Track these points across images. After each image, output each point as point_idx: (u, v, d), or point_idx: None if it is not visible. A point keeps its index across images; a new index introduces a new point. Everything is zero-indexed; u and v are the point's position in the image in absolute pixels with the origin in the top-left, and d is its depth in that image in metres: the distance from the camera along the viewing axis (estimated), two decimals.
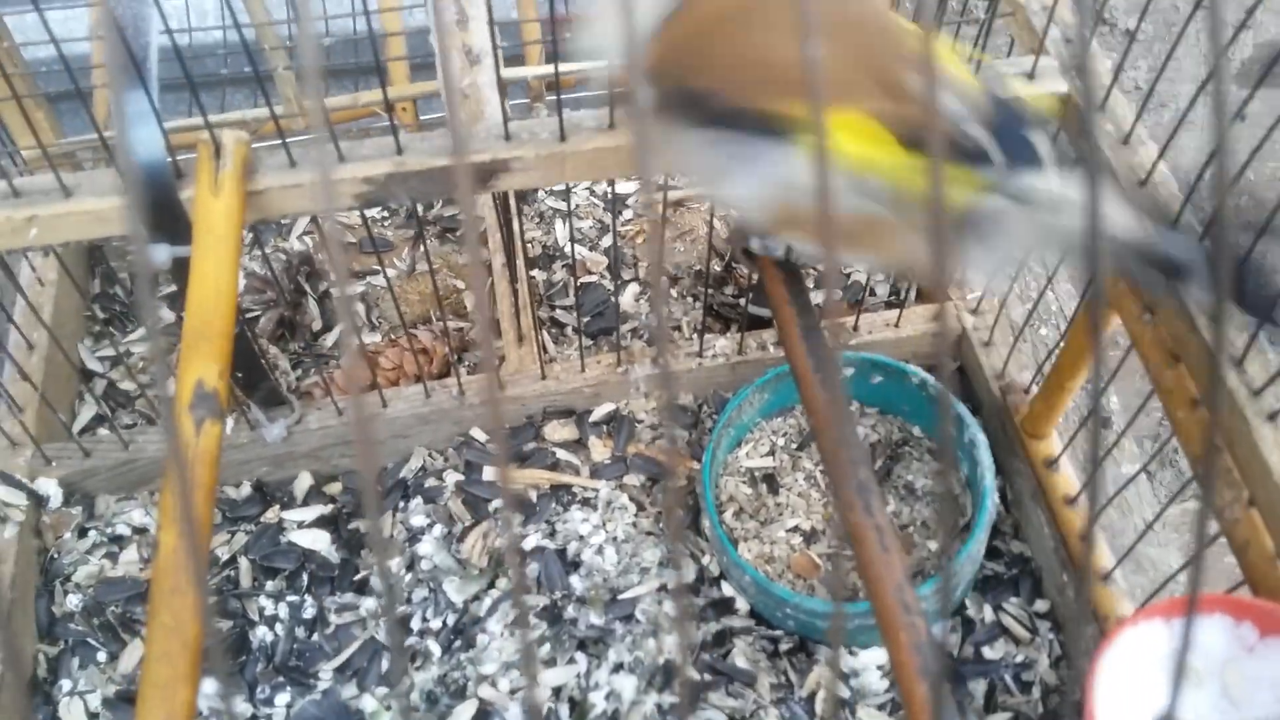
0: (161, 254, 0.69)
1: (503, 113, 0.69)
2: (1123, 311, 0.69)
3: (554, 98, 1.07)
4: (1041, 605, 0.87)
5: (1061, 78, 0.72)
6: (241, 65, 1.11)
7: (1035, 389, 0.88)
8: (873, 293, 1.05)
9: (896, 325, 0.96)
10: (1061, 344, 0.82)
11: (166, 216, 0.67)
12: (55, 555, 0.89)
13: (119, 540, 0.90)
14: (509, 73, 0.79)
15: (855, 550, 0.54)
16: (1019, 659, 0.85)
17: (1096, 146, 0.62)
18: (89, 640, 0.86)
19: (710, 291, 1.02)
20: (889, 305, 1.02)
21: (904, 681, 0.51)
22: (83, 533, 0.90)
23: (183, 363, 0.59)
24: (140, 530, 0.91)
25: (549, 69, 0.70)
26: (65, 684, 0.84)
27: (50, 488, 0.89)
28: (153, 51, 0.65)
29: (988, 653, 0.85)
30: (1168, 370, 0.65)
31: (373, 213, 1.09)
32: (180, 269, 0.70)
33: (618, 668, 0.83)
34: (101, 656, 0.86)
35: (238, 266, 0.63)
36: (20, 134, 0.97)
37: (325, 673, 0.86)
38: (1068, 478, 0.85)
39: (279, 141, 0.67)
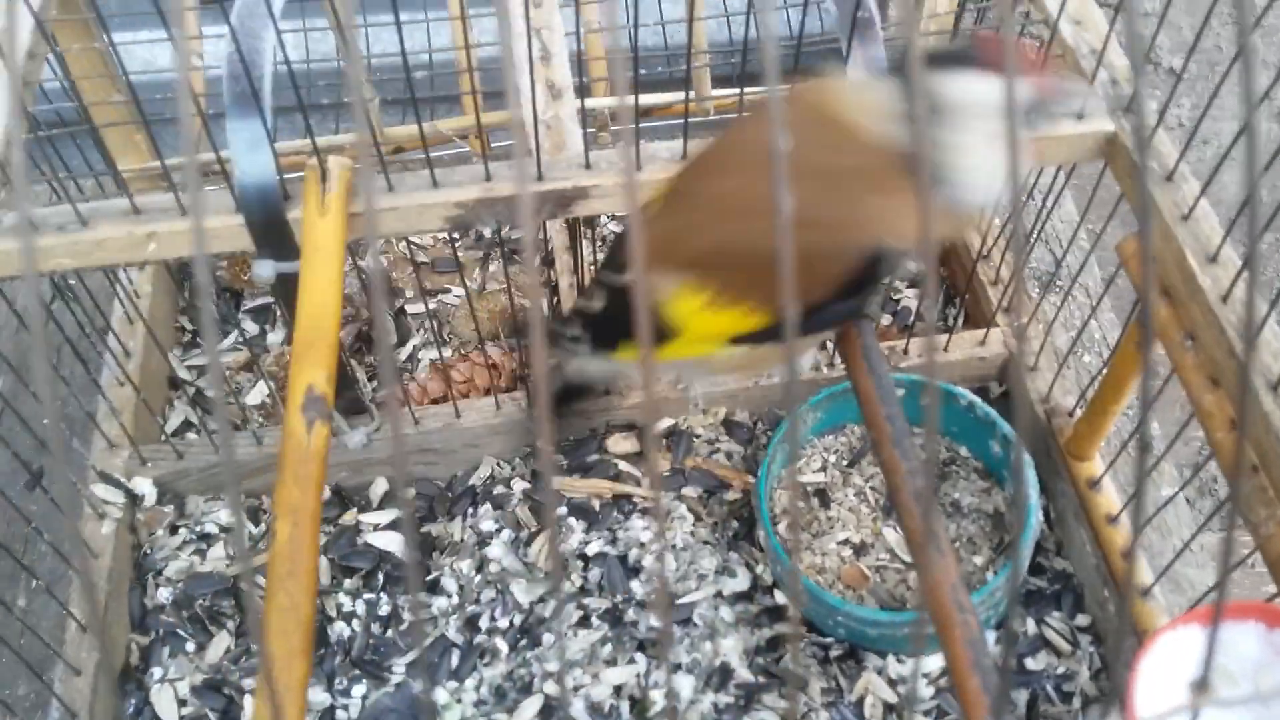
0: (266, 269, 0.75)
1: (584, 143, 0.75)
2: (1165, 337, 0.73)
3: (618, 127, 1.13)
4: (1083, 620, 0.90)
5: (1109, 118, 0.77)
6: (332, 93, 1.18)
7: (1079, 413, 0.91)
8: (922, 318, 1.10)
9: (945, 349, 1.00)
10: (1104, 370, 0.86)
11: (274, 235, 0.72)
12: (148, 551, 0.95)
13: (207, 538, 0.96)
14: (591, 103, 0.84)
15: (913, 553, 0.58)
16: (1060, 670, 0.88)
17: (1148, 191, 0.66)
18: (178, 631, 0.92)
19: None
20: (938, 331, 1.07)
21: (958, 675, 0.55)
22: (174, 530, 0.96)
23: (294, 369, 0.65)
24: (226, 529, 0.96)
25: (626, 101, 0.75)
26: (156, 671, 0.90)
27: (145, 487, 0.95)
28: (268, 82, 0.71)
29: (1030, 664, 0.89)
30: (1207, 394, 0.69)
31: (443, 235, 1.15)
32: (283, 283, 0.75)
33: (676, 668, 0.88)
34: (190, 647, 0.91)
35: (342, 282, 0.68)
36: (120, 155, 1.04)
37: (398, 667, 0.91)
38: (1109, 498, 0.89)
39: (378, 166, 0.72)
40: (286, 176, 0.73)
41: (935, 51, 0.60)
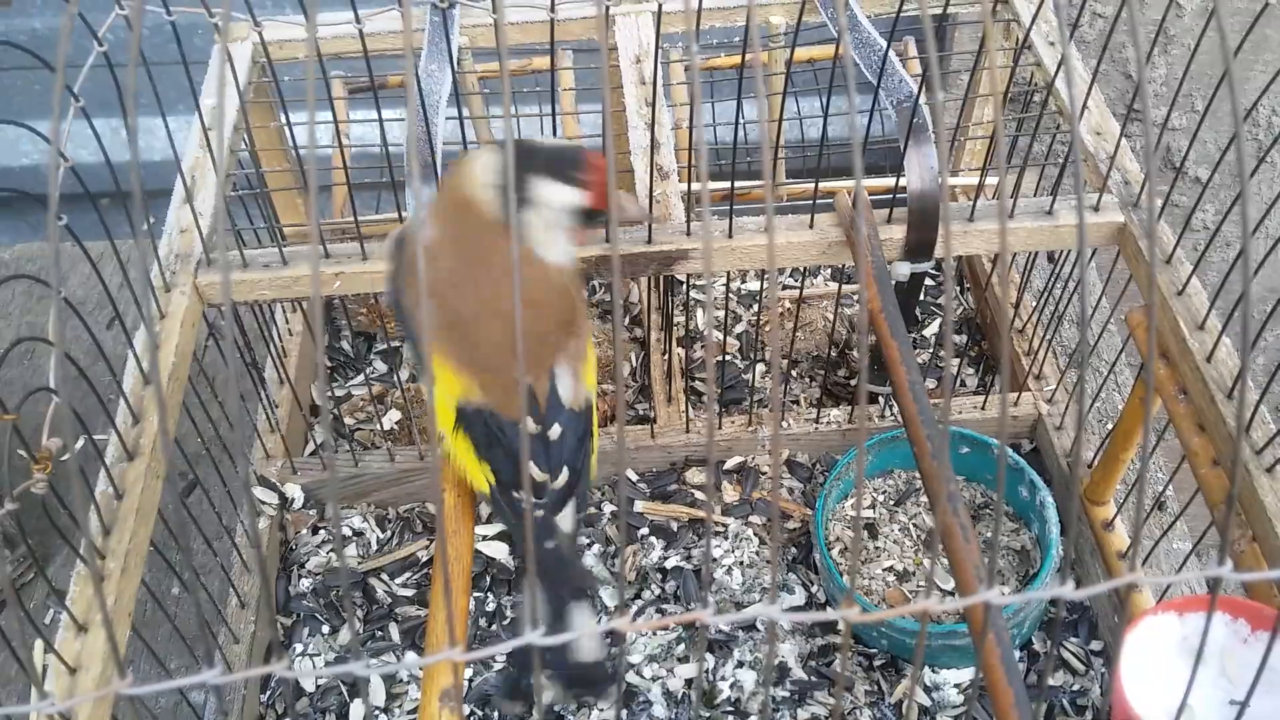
0: None
1: (686, 214, 0.92)
2: (1163, 392, 0.88)
3: (700, 208, 1.31)
4: (1096, 645, 1.04)
5: (1120, 211, 0.93)
6: None
7: (1097, 462, 1.06)
8: (963, 383, 1.25)
9: (982, 408, 1.15)
10: (1115, 423, 1.00)
11: None
12: (293, 546, 1.11)
13: (343, 539, 1.12)
14: (695, 187, 1.02)
15: (946, 543, 0.73)
16: (1075, 687, 1.01)
17: (1156, 282, 0.82)
18: (315, 615, 1.08)
19: (824, 373, 1.23)
20: (975, 392, 1.22)
21: (976, 634, 0.70)
22: (315, 530, 1.13)
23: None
24: (358, 533, 1.13)
25: (723, 185, 0.92)
26: (297, 647, 1.06)
27: (295, 492, 1.12)
28: (440, 149, 0.89)
29: (1050, 681, 1.02)
30: (1195, 438, 0.84)
31: None
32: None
33: (740, 664, 1.02)
34: (325, 629, 1.07)
35: None
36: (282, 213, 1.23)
37: (500, 655, 1.06)
38: (1121, 537, 1.03)
39: None
40: None
41: (539, 152, 0.76)
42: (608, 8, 0.80)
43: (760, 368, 1.27)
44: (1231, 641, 0.74)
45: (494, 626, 1.08)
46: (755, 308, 1.35)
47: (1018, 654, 1.03)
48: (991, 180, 1.20)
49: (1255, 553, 0.78)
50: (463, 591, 0.72)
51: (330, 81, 1.26)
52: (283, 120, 1.17)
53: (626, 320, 1.32)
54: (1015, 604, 0.99)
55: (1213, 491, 0.82)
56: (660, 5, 0.95)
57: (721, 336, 1.28)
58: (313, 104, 0.41)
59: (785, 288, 1.35)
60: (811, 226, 0.93)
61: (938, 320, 1.31)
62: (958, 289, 1.35)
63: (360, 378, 1.26)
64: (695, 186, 1.09)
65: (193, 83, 0.88)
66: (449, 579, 0.56)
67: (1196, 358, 0.83)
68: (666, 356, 1.18)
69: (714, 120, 1.35)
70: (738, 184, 1.22)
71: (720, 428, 1.15)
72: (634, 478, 1.15)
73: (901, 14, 1.08)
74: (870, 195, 1.29)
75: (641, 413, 1.23)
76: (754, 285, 1.36)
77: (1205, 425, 0.83)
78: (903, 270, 0.95)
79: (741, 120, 1.29)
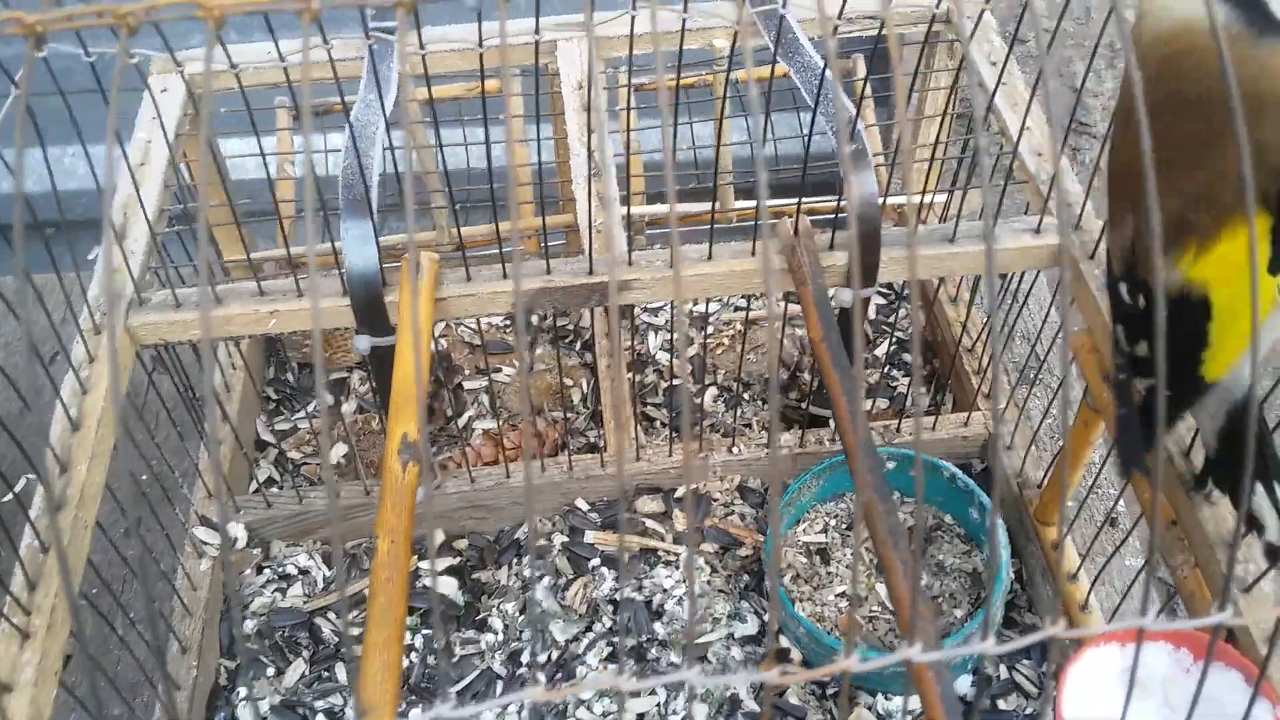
0: (363, 343, 0.91)
1: (628, 244, 0.91)
2: (1106, 415, 0.87)
3: (653, 230, 1.30)
4: (1049, 667, 1.03)
5: (1060, 234, 0.93)
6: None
7: (1046, 482, 1.06)
8: (914, 403, 1.25)
9: (933, 429, 1.15)
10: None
11: (373, 314, 0.88)
12: (237, 587, 1.09)
13: (288, 578, 1.10)
14: (635, 211, 1.01)
15: (887, 579, 0.72)
16: (1028, 711, 1.01)
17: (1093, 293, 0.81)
18: (261, 658, 1.06)
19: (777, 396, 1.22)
20: (928, 413, 1.21)
21: (913, 673, 0.69)
22: (259, 570, 1.10)
23: (391, 421, 0.80)
24: (304, 571, 1.11)
25: (663, 209, 0.91)
26: (241, 691, 1.03)
27: (238, 531, 1.10)
28: (374, 190, 0.88)
29: (1002, 704, 1.02)
30: None
31: (497, 320, 1.32)
32: (376, 355, 0.91)
33: (692, 697, 1.01)
34: (270, 671, 1.05)
35: (429, 353, 0.84)
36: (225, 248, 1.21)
37: (450, 694, 1.04)
38: (1070, 558, 1.02)
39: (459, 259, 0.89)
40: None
41: None
42: (538, 42, 0.79)
43: (712, 391, 1.26)
44: (1174, 671, 0.73)
45: (443, 664, 1.06)
46: (708, 329, 1.34)
47: (969, 678, 1.02)
48: (935, 199, 1.20)
49: (1198, 578, 0.78)
50: (395, 641, 0.70)
51: (276, 111, 1.24)
52: (219, 152, 1.16)
53: (578, 345, 1.31)
54: (964, 630, 0.99)
55: (1153, 515, 0.81)
56: (592, 34, 0.94)
57: (670, 360, 1.27)
58: (200, 142, 0.39)
59: (736, 309, 1.34)
60: (754, 254, 0.92)
61: (887, 340, 1.30)
62: (905, 309, 1.34)
63: (303, 412, 1.24)
64: (639, 210, 1.08)
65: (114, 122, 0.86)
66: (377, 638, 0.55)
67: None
68: (615, 385, 1.16)
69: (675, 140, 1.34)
70: (685, 207, 1.22)
71: (670, 454, 1.13)
72: (584, 507, 1.14)
73: (848, 35, 1.08)
74: (816, 215, 1.28)
75: (592, 440, 1.21)
76: (704, 306, 1.35)
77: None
78: (845, 297, 0.95)
79: (693, 144, 1.29)
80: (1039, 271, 0.99)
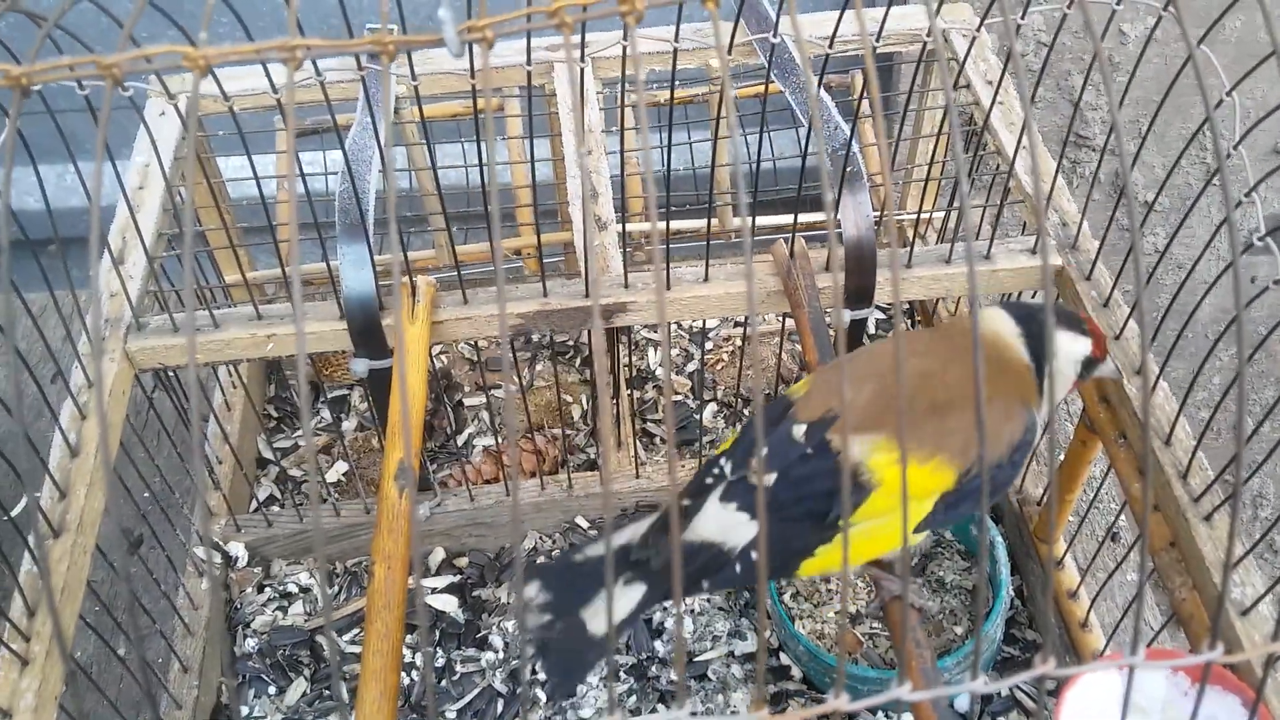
0: (360, 366, 0.91)
1: (624, 266, 0.91)
2: (1104, 436, 0.87)
3: (651, 247, 1.30)
4: (1049, 684, 1.03)
5: (1057, 254, 0.93)
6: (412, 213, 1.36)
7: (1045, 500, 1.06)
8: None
9: None
10: (1061, 463, 1.00)
11: (370, 337, 0.89)
12: (238, 605, 1.10)
13: (289, 596, 1.10)
14: (633, 228, 1.01)
15: (885, 609, 0.72)
16: None
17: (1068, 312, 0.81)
18: (262, 676, 1.06)
19: None
20: None
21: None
22: (260, 588, 1.11)
23: (388, 446, 0.80)
24: (305, 589, 1.11)
25: (659, 226, 0.91)
26: (243, 710, 1.04)
27: (239, 550, 1.10)
28: (370, 213, 0.88)
29: None
30: (1134, 483, 0.84)
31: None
32: (374, 377, 0.92)
33: (693, 715, 1.01)
34: (272, 690, 1.05)
35: (426, 376, 0.84)
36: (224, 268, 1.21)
37: (450, 712, 1.04)
38: (1071, 575, 1.02)
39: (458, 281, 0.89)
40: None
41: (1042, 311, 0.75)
42: (530, 69, 0.80)
43: (712, 407, 1.26)
44: (1173, 694, 0.73)
45: (443, 682, 1.06)
46: (708, 345, 1.34)
47: (967, 698, 1.02)
48: (934, 215, 1.20)
49: (1196, 601, 0.78)
50: (392, 669, 0.70)
51: (276, 134, 1.25)
52: (219, 175, 1.16)
53: (577, 362, 1.32)
54: (965, 649, 0.99)
55: (1154, 538, 0.81)
56: (587, 55, 0.94)
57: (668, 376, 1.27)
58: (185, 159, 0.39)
59: (735, 324, 1.34)
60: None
61: None
62: (907, 323, 1.34)
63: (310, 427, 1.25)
64: (636, 227, 1.08)
65: (110, 150, 0.87)
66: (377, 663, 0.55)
67: (1134, 403, 0.83)
68: (616, 402, 1.17)
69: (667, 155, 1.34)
70: (680, 223, 1.22)
71: (670, 471, 1.13)
72: (584, 524, 1.14)
73: (844, 54, 1.08)
74: (815, 231, 1.29)
75: (592, 457, 1.21)
76: (709, 323, 1.36)
77: (1145, 471, 0.82)
78: (847, 315, 0.95)
79: (691, 163, 1.29)
80: (1035, 291, 0.99)
